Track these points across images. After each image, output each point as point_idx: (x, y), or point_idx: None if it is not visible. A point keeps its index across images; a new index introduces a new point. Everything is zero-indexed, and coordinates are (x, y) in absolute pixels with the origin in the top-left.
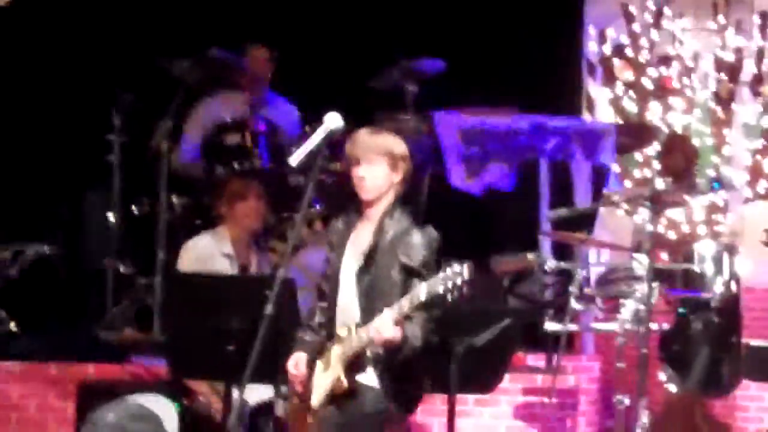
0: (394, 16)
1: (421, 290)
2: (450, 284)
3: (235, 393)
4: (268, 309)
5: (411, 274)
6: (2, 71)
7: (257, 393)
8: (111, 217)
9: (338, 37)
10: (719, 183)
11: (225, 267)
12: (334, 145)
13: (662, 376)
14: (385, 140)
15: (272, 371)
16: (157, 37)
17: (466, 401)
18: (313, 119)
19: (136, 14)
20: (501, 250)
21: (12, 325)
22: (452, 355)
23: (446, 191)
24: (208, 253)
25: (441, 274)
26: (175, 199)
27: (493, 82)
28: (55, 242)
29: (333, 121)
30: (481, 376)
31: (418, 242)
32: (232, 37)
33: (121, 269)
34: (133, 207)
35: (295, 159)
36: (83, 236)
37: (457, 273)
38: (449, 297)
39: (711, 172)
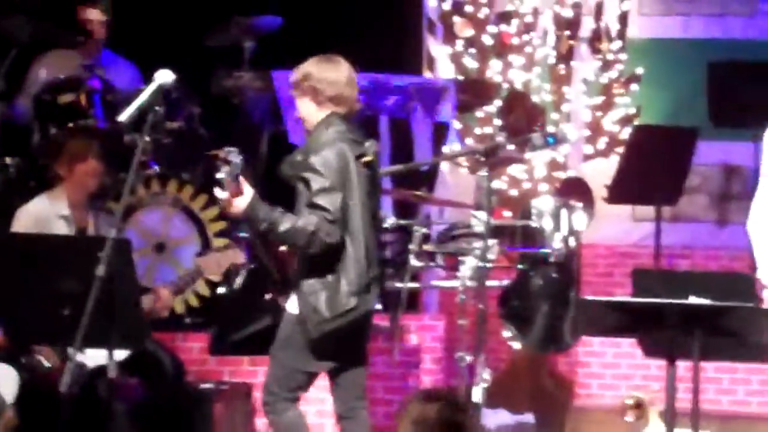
0: None
1: None
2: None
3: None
4: (100, 270)
5: None
6: None
7: (99, 357)
8: None
9: None
10: (554, 138)
11: (62, 229)
12: (172, 104)
13: (506, 333)
14: None
15: (106, 334)
16: None
17: None
18: (148, 79)
19: None
20: None
21: None
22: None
23: (287, 150)
24: (44, 215)
25: None
26: (8, 160)
27: (333, 40)
28: None
29: (163, 76)
30: None
31: None
32: None
33: None
34: None
35: (124, 115)
36: None
37: None
38: None
39: (551, 129)
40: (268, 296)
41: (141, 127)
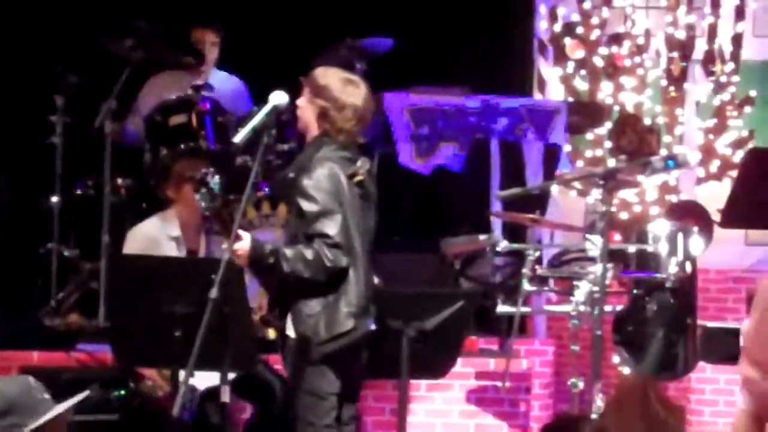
0: None
1: None
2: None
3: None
4: (213, 293)
5: None
6: None
7: (207, 379)
8: (54, 199)
9: (287, 16)
10: (674, 161)
11: (173, 251)
12: (283, 125)
13: (616, 359)
14: None
15: (218, 357)
16: (101, 14)
17: (418, 386)
18: (261, 99)
19: None
20: (451, 232)
21: None
22: (402, 339)
23: (396, 171)
24: (155, 236)
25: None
26: (120, 181)
27: (444, 62)
28: None
29: (277, 98)
30: (433, 360)
31: None
32: (177, 16)
33: (65, 253)
34: (77, 189)
35: (239, 137)
36: (26, 220)
37: None
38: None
39: (664, 152)
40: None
41: (252, 149)
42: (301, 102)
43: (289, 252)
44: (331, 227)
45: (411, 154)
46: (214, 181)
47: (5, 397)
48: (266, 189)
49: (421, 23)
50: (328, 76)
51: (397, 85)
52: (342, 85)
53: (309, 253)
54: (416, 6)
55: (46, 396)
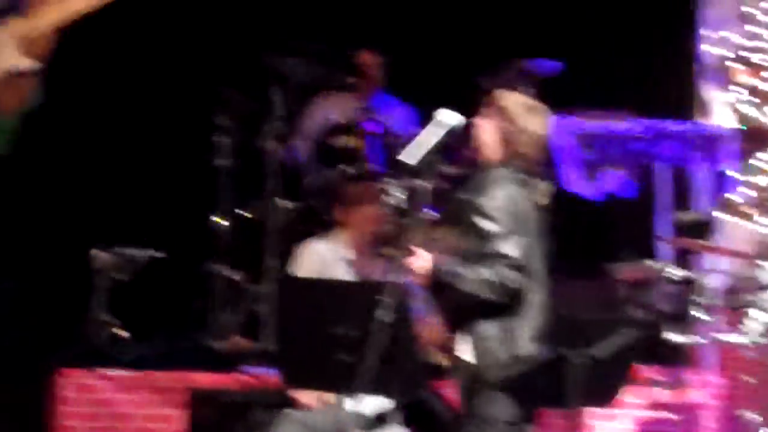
0: (510, 17)
1: None
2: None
3: (348, 404)
4: (383, 316)
5: None
6: (105, 73)
7: (374, 404)
8: (219, 221)
9: (453, 38)
10: None
11: (343, 273)
12: (450, 148)
13: None
14: None
15: (386, 381)
16: (265, 35)
17: (585, 416)
18: (425, 120)
19: (245, 11)
20: (619, 258)
21: (121, 332)
22: (570, 367)
23: (561, 196)
24: (325, 258)
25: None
26: (284, 203)
27: (606, 85)
28: (164, 248)
29: (450, 117)
30: (600, 389)
31: None
32: (342, 37)
33: (230, 275)
34: (242, 211)
35: (412, 156)
36: (191, 241)
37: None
38: None
39: None
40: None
41: (418, 172)
42: (478, 122)
43: (468, 273)
44: (511, 248)
45: (577, 178)
46: (398, 194)
47: None
48: (433, 211)
49: (584, 46)
50: (510, 100)
51: (560, 108)
52: (523, 110)
53: (489, 275)
54: (580, 28)
55: None
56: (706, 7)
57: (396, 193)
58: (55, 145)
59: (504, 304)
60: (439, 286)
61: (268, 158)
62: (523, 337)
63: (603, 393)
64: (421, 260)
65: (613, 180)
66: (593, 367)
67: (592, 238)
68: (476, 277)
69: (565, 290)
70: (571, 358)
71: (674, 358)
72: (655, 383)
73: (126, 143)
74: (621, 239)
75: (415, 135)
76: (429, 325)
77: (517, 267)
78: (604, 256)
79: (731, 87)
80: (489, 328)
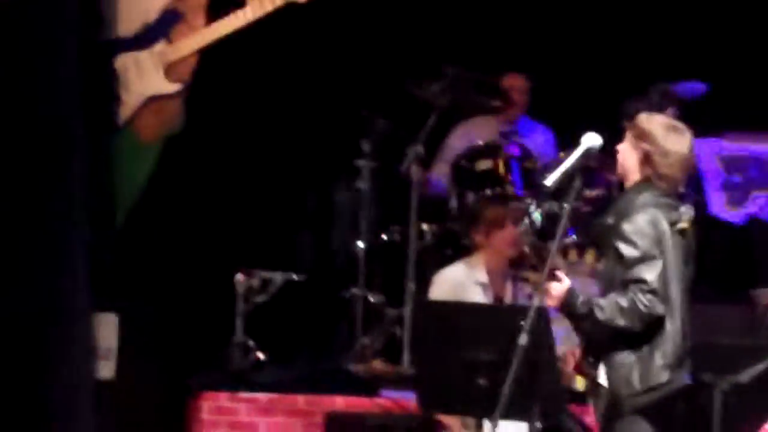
0: (654, 40)
1: None
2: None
3: (487, 428)
4: (522, 340)
5: None
6: (250, 97)
7: (512, 429)
8: (360, 245)
9: (596, 62)
10: None
11: (479, 297)
12: (591, 171)
13: None
14: None
15: (525, 406)
16: (408, 59)
17: None
18: (566, 144)
19: (391, 36)
20: (761, 283)
21: (260, 355)
22: (715, 393)
23: (706, 220)
24: (462, 281)
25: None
26: (425, 226)
27: (752, 107)
28: (303, 270)
29: (590, 140)
30: (746, 416)
31: None
32: (486, 61)
33: (370, 299)
34: (383, 235)
35: (550, 180)
36: (332, 265)
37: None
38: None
39: None
40: None
41: (559, 195)
42: (622, 147)
43: (603, 301)
44: (649, 273)
45: (722, 202)
46: (536, 214)
47: None
48: (573, 235)
49: (724, 68)
50: (653, 121)
51: (705, 130)
52: (666, 132)
53: (624, 301)
54: (719, 51)
55: None
56: None
57: (536, 216)
58: (196, 168)
59: (639, 331)
60: (572, 311)
61: (409, 182)
62: (658, 364)
63: (749, 420)
64: (560, 285)
65: (757, 203)
66: (738, 393)
67: (735, 262)
68: (611, 305)
69: (708, 315)
70: (715, 384)
71: None
72: None
73: (269, 167)
74: (765, 263)
75: (558, 159)
76: (567, 349)
77: (652, 291)
78: (747, 280)
79: None
80: (624, 356)
